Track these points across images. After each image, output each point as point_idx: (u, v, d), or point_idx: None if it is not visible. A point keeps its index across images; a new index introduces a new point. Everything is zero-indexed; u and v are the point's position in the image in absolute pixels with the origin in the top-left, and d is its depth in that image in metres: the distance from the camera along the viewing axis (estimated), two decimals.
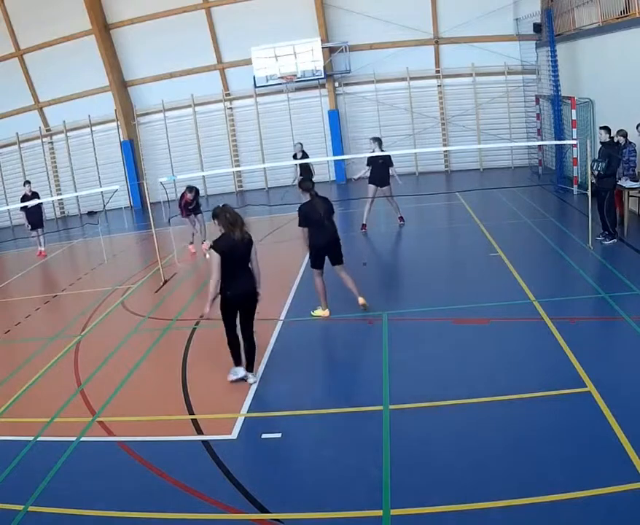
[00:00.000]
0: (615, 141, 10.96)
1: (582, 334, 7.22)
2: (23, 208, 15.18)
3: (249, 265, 6.58)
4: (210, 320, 9.11)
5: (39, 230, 15.45)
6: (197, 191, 13.25)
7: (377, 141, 13.41)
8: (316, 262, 8.25)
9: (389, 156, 13.56)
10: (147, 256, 13.67)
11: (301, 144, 16.32)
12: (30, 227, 15.44)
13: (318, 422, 5.93)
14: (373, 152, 13.35)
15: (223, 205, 6.53)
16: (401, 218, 13.64)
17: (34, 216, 15.36)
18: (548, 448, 5.03)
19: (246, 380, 6.72)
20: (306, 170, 15.82)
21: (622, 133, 11.11)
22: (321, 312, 8.45)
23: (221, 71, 20.95)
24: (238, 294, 6.49)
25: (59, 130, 21.74)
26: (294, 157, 16.13)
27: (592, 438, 5.05)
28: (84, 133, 21.66)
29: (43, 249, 15.46)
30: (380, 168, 13.24)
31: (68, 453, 5.74)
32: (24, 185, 15.74)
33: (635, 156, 11.35)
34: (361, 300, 8.35)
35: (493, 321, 7.71)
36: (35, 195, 15.39)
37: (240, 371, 6.77)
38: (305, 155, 15.95)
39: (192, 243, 13.53)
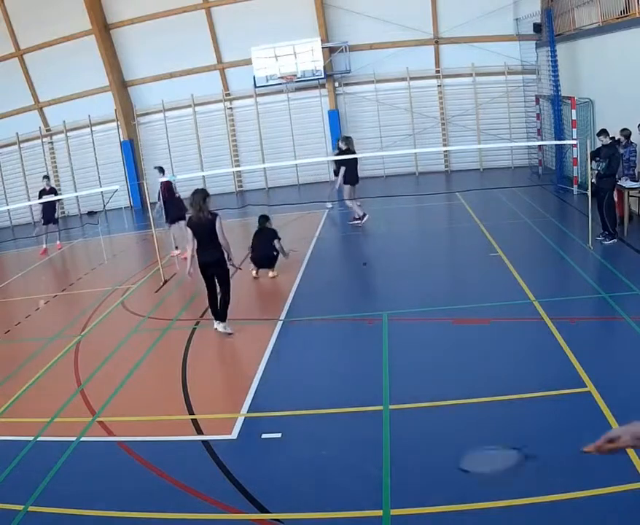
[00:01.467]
0: (617, 139, 10.98)
1: (582, 334, 7.22)
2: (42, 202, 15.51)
3: (216, 239, 7.90)
4: (210, 320, 9.16)
5: (52, 225, 15.70)
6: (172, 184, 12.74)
7: (346, 139, 13.50)
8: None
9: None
10: (147, 256, 13.67)
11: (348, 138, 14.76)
12: (42, 221, 15.73)
13: (318, 422, 5.92)
14: (340, 152, 13.48)
15: (196, 190, 8.09)
16: (357, 218, 13.86)
17: (48, 212, 15.61)
18: (548, 448, 5.02)
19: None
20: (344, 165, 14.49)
21: (626, 134, 11.09)
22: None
23: (221, 71, 20.94)
24: (203, 262, 8.06)
25: (59, 130, 21.73)
26: (339, 149, 14.73)
27: (592, 438, 5.00)
28: (84, 133, 21.65)
29: (58, 242, 16.09)
30: (354, 167, 13.33)
31: (68, 453, 5.74)
32: (42, 179, 16.05)
33: (636, 156, 11.35)
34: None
35: (493, 321, 7.71)
36: (52, 191, 15.69)
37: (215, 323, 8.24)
38: (349, 151, 14.13)
39: (176, 247, 13.10)
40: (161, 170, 12.88)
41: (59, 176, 22.22)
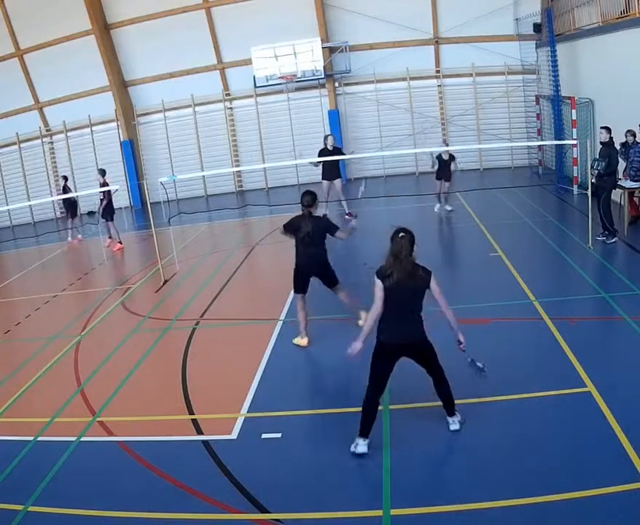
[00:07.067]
0: (624, 140, 11.01)
1: (582, 334, 7.21)
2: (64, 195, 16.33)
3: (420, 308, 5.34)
4: (210, 320, 9.17)
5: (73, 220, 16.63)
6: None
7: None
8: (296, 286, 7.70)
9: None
10: (147, 256, 13.67)
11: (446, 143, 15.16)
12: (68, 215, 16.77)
13: (318, 422, 5.93)
14: (325, 147, 14.24)
15: (403, 230, 5.21)
16: (350, 213, 14.55)
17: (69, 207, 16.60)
18: (548, 448, 5.03)
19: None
20: (446, 165, 14.10)
21: (632, 133, 11.11)
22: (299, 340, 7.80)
23: (221, 71, 20.95)
24: (398, 342, 5.25)
25: (59, 130, 21.73)
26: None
27: (592, 438, 5.05)
28: (84, 133, 21.65)
29: (79, 236, 16.78)
30: (331, 163, 14.09)
31: (68, 453, 5.75)
32: (61, 179, 16.85)
33: None
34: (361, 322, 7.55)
35: (493, 321, 7.71)
36: (64, 189, 16.32)
37: (361, 445, 5.25)
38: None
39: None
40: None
41: (59, 176, 22.18)
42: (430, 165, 14.67)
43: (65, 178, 16.78)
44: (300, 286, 7.64)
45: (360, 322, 7.87)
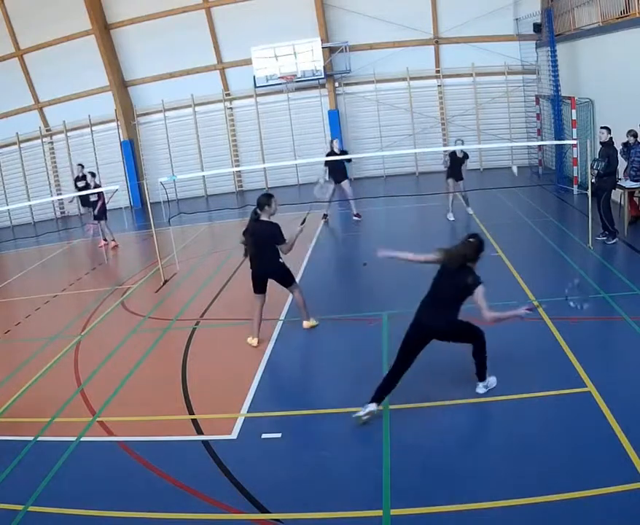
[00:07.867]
0: (625, 140, 11.01)
1: (582, 334, 7.21)
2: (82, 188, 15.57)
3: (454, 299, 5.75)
4: (210, 320, 9.17)
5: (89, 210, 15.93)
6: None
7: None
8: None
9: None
10: (147, 256, 13.67)
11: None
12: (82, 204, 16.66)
13: (318, 422, 5.92)
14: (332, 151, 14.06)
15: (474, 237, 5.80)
16: (357, 214, 14.53)
17: (83, 201, 16.20)
18: (548, 448, 5.03)
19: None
20: (458, 163, 13.79)
21: (633, 133, 11.11)
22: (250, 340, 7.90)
23: (221, 71, 20.95)
24: (417, 321, 5.77)
25: (59, 130, 21.72)
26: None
27: (592, 438, 5.05)
28: (84, 133, 21.65)
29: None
30: (338, 165, 14.03)
31: (68, 453, 5.75)
32: (77, 166, 16.62)
33: None
34: (305, 324, 8.10)
35: None
36: (84, 179, 15.61)
37: (370, 406, 5.61)
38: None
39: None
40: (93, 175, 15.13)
41: (59, 176, 22.21)
42: (443, 161, 14.06)
43: (83, 168, 16.03)
44: (255, 287, 7.87)
45: (305, 324, 7.93)
